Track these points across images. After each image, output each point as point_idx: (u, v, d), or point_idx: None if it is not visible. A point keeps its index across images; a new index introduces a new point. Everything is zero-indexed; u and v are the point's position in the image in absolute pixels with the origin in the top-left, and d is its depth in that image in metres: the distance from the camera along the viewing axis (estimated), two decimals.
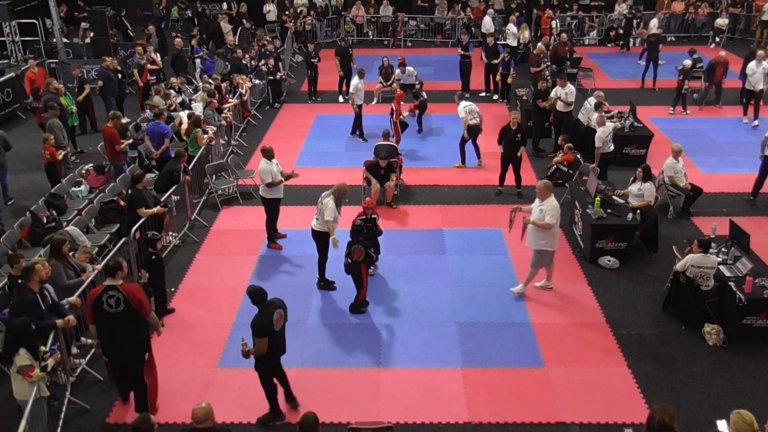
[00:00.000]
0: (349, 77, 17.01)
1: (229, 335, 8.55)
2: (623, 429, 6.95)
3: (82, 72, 16.19)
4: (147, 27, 19.50)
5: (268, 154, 10.26)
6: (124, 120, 15.02)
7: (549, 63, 17.20)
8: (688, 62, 16.10)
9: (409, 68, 16.49)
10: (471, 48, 17.91)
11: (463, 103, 13.35)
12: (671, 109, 16.30)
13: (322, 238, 9.19)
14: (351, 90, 14.65)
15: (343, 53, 17.27)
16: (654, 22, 20.18)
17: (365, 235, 8.98)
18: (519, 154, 11.84)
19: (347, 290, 9.27)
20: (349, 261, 8.77)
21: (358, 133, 15.10)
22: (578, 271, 9.91)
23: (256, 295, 6.71)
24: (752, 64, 15.02)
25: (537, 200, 9.05)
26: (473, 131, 13.24)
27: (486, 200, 12.11)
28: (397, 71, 16.40)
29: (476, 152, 13.55)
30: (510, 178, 12.22)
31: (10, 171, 12.49)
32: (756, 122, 15.27)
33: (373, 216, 9.20)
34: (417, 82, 16.17)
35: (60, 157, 11.92)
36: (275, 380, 7.12)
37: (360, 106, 14.72)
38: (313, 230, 9.23)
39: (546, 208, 8.81)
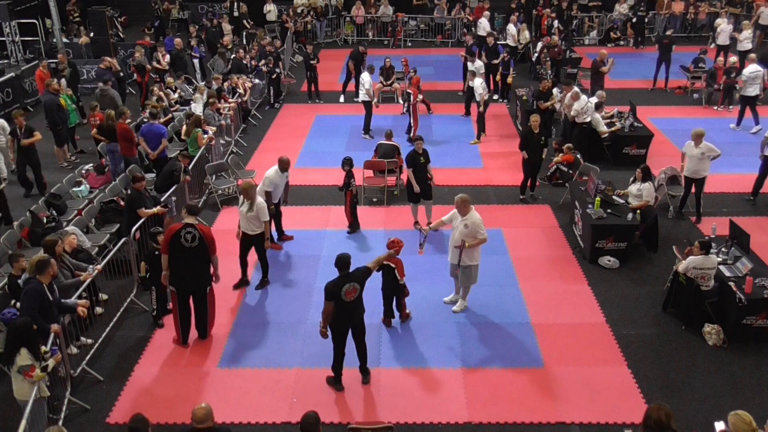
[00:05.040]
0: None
1: (229, 335, 8.55)
2: (623, 429, 6.95)
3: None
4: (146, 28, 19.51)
5: (284, 165, 10.12)
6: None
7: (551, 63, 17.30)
8: (733, 59, 16.52)
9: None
10: (475, 49, 17.92)
11: (478, 80, 14.69)
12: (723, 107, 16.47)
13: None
14: (366, 86, 14.98)
15: (358, 58, 17.30)
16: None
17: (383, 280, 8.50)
18: (543, 156, 11.80)
19: None
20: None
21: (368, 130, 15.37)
22: (578, 271, 9.90)
23: (338, 262, 7.19)
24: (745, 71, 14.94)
25: (458, 216, 8.56)
26: (487, 105, 14.62)
27: (486, 200, 12.11)
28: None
29: (479, 130, 14.84)
30: (507, 179, 12.26)
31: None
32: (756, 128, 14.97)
33: (392, 265, 8.39)
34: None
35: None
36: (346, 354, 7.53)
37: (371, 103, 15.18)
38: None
39: (472, 223, 8.42)
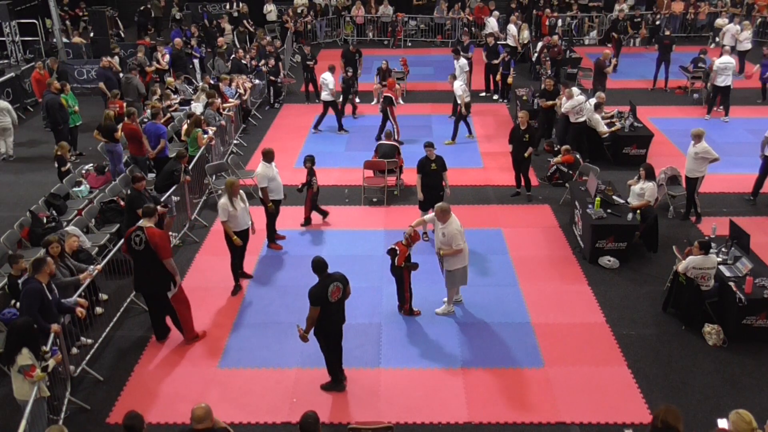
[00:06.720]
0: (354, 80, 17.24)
1: (229, 335, 8.56)
2: (623, 429, 6.95)
3: None
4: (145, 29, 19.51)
5: (269, 156, 10.14)
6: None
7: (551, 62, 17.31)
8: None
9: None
10: (471, 49, 17.93)
11: (458, 82, 14.51)
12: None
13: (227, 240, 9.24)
14: (330, 86, 15.04)
15: (349, 56, 17.22)
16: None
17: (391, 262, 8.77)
18: (526, 155, 11.62)
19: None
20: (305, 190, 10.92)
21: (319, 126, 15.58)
22: (578, 271, 9.90)
23: (316, 265, 7.09)
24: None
25: (438, 223, 8.47)
26: (469, 108, 14.51)
27: (486, 200, 12.12)
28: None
29: (468, 127, 14.84)
30: (507, 179, 12.24)
31: (12, 171, 12.52)
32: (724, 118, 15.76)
33: (397, 250, 8.59)
34: None
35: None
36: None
37: (327, 102, 15.28)
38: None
39: (448, 233, 8.27)
